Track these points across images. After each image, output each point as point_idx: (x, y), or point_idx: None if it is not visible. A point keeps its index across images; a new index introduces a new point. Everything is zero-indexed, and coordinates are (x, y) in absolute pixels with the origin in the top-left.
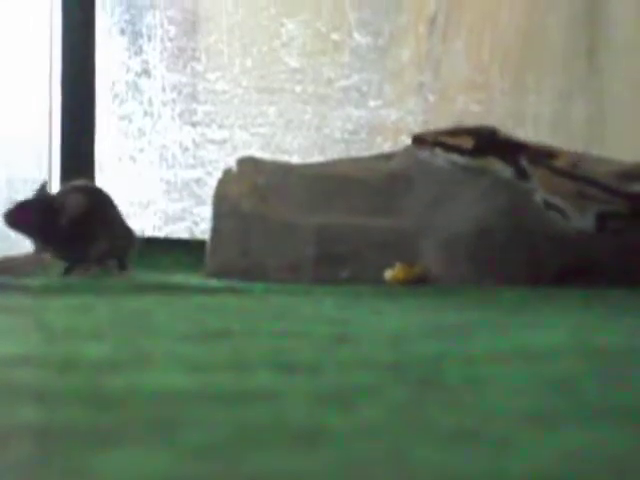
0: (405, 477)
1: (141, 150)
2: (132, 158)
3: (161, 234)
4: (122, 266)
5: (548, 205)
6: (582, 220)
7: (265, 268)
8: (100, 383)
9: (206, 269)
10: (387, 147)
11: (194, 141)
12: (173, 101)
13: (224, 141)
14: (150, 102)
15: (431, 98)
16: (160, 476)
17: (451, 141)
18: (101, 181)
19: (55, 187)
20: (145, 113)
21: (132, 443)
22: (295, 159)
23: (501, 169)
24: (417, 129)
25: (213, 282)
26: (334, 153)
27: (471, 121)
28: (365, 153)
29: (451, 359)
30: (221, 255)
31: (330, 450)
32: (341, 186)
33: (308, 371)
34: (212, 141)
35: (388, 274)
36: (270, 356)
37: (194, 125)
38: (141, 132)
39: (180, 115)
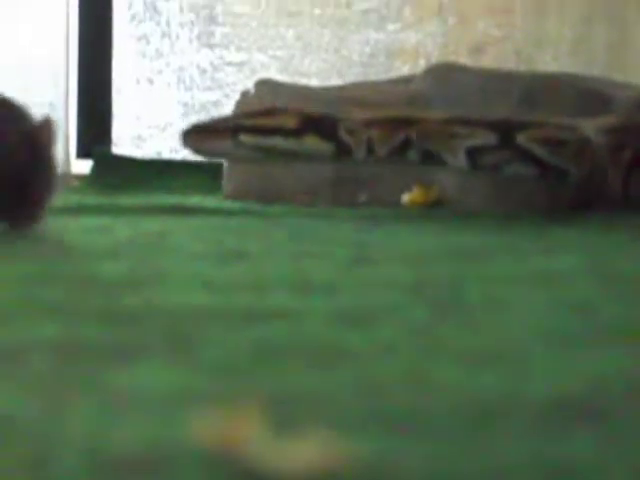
0: (424, 396)
1: (159, 72)
2: (150, 80)
3: (178, 156)
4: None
5: (426, 155)
6: (455, 160)
7: (282, 191)
8: (118, 301)
9: (223, 191)
10: (406, 70)
11: (212, 63)
12: (191, 22)
13: (242, 63)
14: (168, 23)
15: (451, 21)
16: (178, 391)
17: (270, 122)
18: (118, 103)
19: (73, 112)
20: (163, 34)
21: (150, 359)
22: (313, 82)
23: (321, 147)
24: (436, 52)
25: (230, 204)
26: (352, 76)
27: (492, 46)
28: (383, 76)
29: (469, 281)
30: (238, 178)
31: (348, 369)
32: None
33: (326, 291)
34: (230, 63)
35: (406, 197)
36: (288, 276)
37: (212, 47)
38: (159, 54)
39: (198, 37)
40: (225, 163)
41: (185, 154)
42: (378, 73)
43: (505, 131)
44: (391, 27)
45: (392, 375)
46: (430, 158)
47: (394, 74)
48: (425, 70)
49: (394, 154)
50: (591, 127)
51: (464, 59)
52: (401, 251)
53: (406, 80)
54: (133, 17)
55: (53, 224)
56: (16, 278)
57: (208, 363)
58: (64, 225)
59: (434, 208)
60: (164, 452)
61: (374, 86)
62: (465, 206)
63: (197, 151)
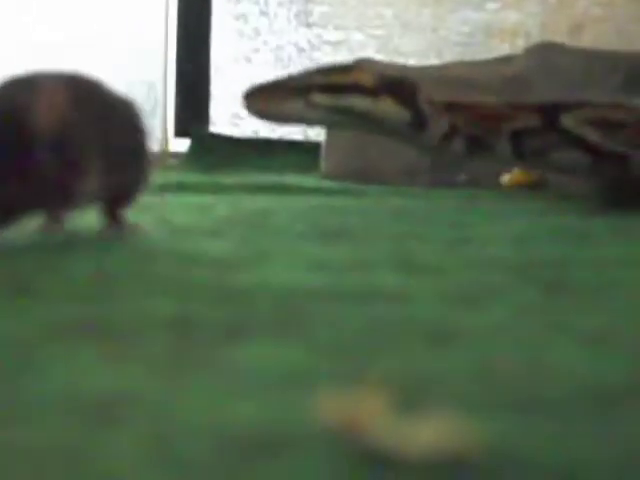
0: (543, 377)
1: (256, 51)
2: (247, 59)
3: (275, 135)
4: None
5: (473, 142)
6: (500, 145)
7: (380, 171)
8: (227, 279)
9: (321, 170)
10: (504, 50)
11: (310, 42)
12: (289, 1)
13: (340, 43)
14: (266, 2)
15: (551, 0)
16: (295, 370)
17: (346, 79)
18: (216, 82)
19: (171, 91)
20: (261, 13)
21: (264, 338)
22: (411, 62)
23: (397, 113)
24: (536, 32)
25: (328, 183)
26: (450, 56)
27: (592, 26)
28: (482, 56)
29: (576, 262)
30: (336, 157)
31: (464, 349)
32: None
33: (433, 271)
34: (328, 42)
35: (506, 178)
36: (393, 256)
37: (310, 26)
38: (257, 32)
39: (296, 16)
40: (323, 140)
41: (282, 133)
42: (477, 53)
43: (549, 112)
44: (490, 6)
45: (508, 356)
46: (477, 145)
47: (493, 54)
48: (525, 50)
49: (444, 140)
50: None
51: (564, 38)
52: (504, 232)
53: (506, 60)
54: None
55: (153, 202)
56: (127, 254)
57: (322, 342)
58: (163, 202)
59: (535, 189)
60: (288, 432)
61: (473, 66)
62: (566, 187)
63: (262, 115)
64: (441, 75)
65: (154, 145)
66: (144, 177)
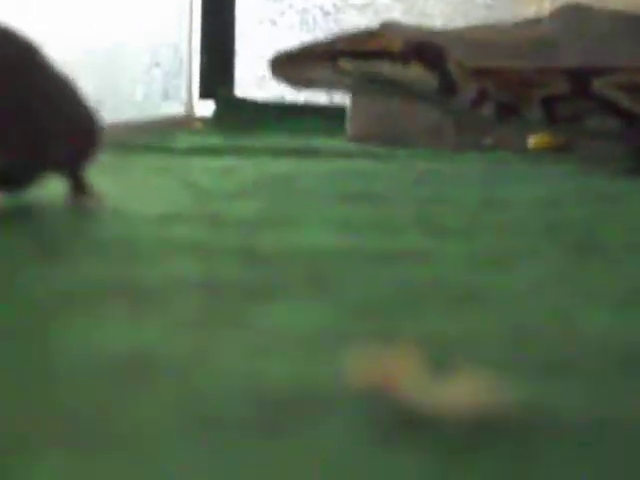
0: (572, 338)
1: (282, 13)
2: (272, 21)
3: (301, 98)
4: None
5: (501, 110)
6: (531, 111)
7: (406, 134)
8: (252, 240)
9: (347, 134)
10: (531, 12)
11: (335, 5)
12: None
13: (365, 5)
14: None
15: None
16: (325, 331)
17: (374, 45)
18: (241, 44)
19: (196, 52)
20: None
21: (290, 298)
22: (437, 24)
23: (427, 79)
24: None
25: (354, 146)
26: (477, 18)
27: None
28: (508, 19)
29: (605, 224)
30: (362, 120)
31: (492, 311)
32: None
33: (460, 234)
34: (353, 5)
35: (532, 140)
36: (419, 219)
37: None
38: None
39: None
40: (348, 104)
41: (308, 96)
42: (503, 15)
43: (579, 78)
44: None
45: (537, 317)
46: (507, 110)
47: (519, 16)
48: (552, 12)
49: (474, 106)
50: None
51: (590, 0)
52: (531, 194)
53: (532, 22)
54: None
55: (179, 164)
56: (151, 217)
57: (350, 303)
58: (190, 165)
59: (561, 152)
60: (319, 392)
61: (500, 29)
62: (594, 150)
63: (290, 81)
64: (468, 39)
65: (179, 108)
66: (87, 144)
